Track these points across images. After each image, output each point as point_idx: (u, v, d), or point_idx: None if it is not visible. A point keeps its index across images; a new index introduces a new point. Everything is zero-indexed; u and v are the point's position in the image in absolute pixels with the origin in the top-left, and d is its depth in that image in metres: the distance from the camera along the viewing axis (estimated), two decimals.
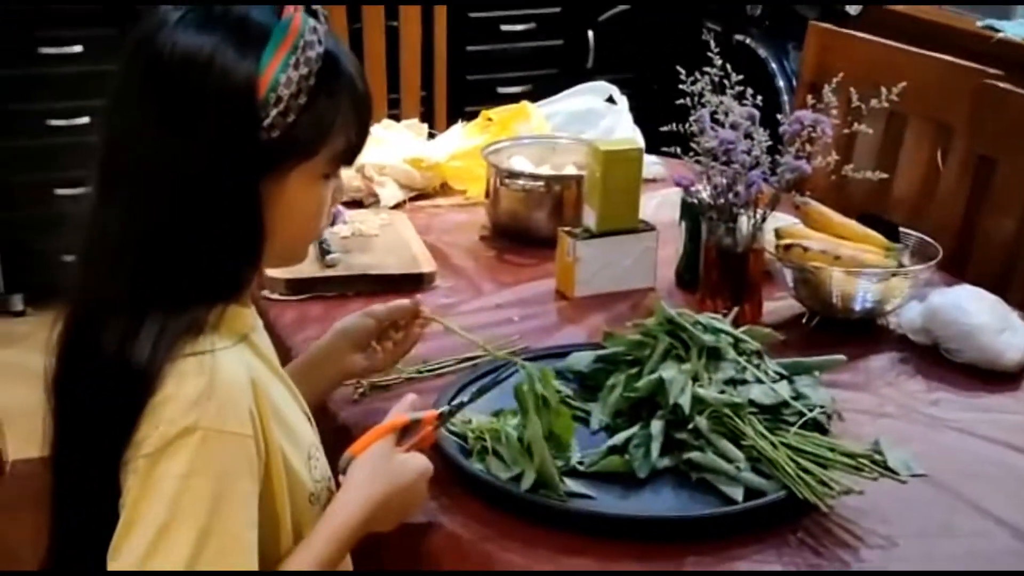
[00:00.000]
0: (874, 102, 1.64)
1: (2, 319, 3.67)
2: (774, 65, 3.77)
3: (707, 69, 1.69)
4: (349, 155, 1.18)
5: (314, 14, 1.13)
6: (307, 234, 1.20)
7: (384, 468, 1.22)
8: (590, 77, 4.05)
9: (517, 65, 4.05)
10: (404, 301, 1.50)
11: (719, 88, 1.69)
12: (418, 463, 1.24)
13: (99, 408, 1.07)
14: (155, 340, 1.05)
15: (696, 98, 1.69)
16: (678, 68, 1.70)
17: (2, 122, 3.53)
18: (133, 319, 1.07)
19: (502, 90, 4.02)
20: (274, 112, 1.08)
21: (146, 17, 1.11)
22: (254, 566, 1.07)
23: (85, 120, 3.50)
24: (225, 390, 1.06)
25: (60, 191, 3.50)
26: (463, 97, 3.85)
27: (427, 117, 3.36)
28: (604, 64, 4.10)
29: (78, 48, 3.52)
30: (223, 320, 1.11)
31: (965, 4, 3.36)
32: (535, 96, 3.87)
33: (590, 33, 4.06)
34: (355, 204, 2.13)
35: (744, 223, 1.69)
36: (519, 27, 4.00)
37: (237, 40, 1.08)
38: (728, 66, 1.70)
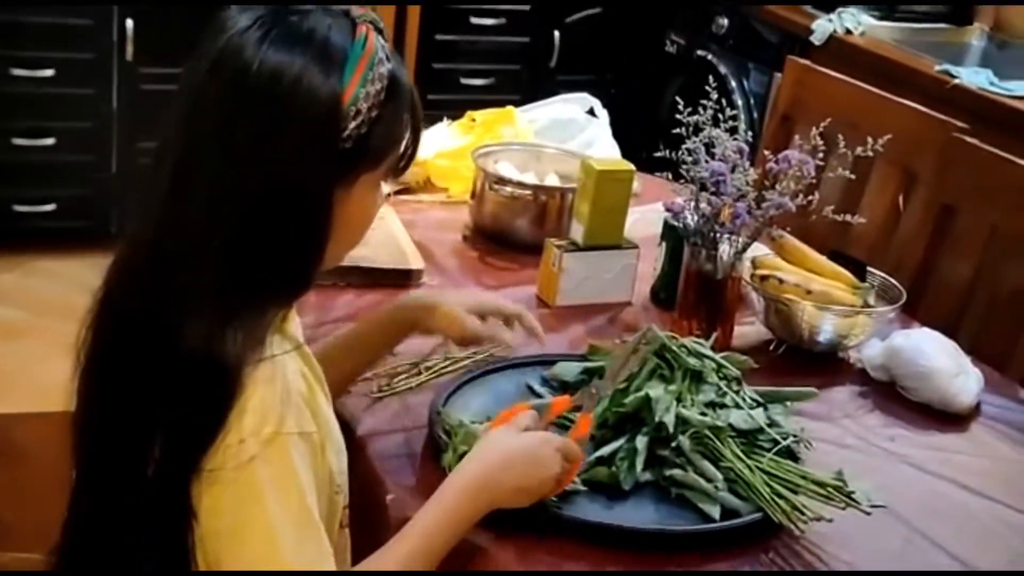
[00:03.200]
0: (859, 150, 1.73)
1: None
2: (734, 83, 3.88)
3: (704, 102, 1.77)
4: (406, 163, 1.26)
5: (380, 32, 1.20)
6: (358, 237, 1.28)
7: (503, 435, 1.32)
8: (553, 77, 4.17)
9: (483, 58, 4.11)
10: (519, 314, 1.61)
11: (714, 120, 1.77)
12: (540, 433, 1.34)
13: (181, 407, 1.10)
14: (243, 340, 1.10)
15: (691, 128, 1.77)
16: (677, 99, 1.77)
17: None
18: (219, 316, 1.11)
19: (465, 81, 4.09)
20: (352, 124, 1.15)
21: (220, 28, 1.16)
22: (330, 555, 1.15)
23: (51, 141, 3.55)
24: (296, 393, 1.14)
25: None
26: (428, 84, 3.90)
27: None
28: (567, 65, 4.19)
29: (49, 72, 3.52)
30: (284, 323, 1.18)
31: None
32: (498, 90, 3.97)
33: (556, 33, 4.14)
34: None
35: (725, 251, 1.78)
36: (489, 21, 4.06)
37: (322, 59, 1.14)
38: (719, 99, 1.77)
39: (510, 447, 1.31)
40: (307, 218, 1.16)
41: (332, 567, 1.16)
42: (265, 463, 1.10)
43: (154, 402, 1.12)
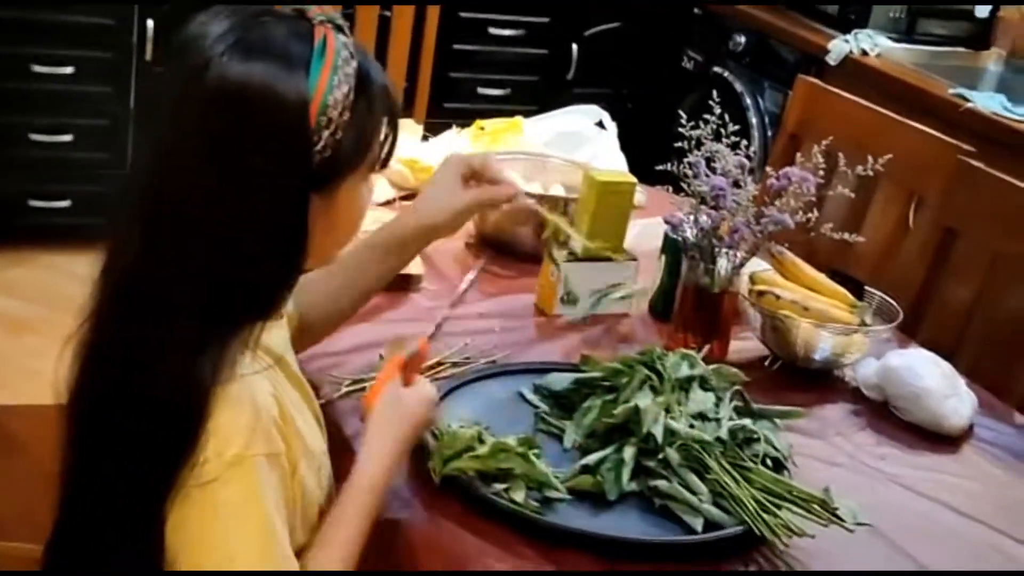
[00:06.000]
0: (859, 169, 1.74)
1: None
2: (748, 100, 3.89)
3: (707, 116, 1.78)
4: (386, 158, 1.25)
5: (340, 28, 1.18)
6: (350, 236, 1.28)
7: (397, 411, 1.33)
8: (569, 89, 4.18)
9: (500, 69, 4.12)
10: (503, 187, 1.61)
11: (717, 135, 1.78)
12: (424, 393, 1.36)
13: (154, 435, 1.10)
14: (215, 367, 1.10)
15: (692, 141, 1.78)
16: (680, 112, 1.78)
17: None
18: (192, 348, 1.10)
19: (482, 91, 4.11)
20: (326, 134, 1.14)
21: (185, 51, 1.13)
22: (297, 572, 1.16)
23: (68, 137, 3.57)
24: (265, 414, 1.13)
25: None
26: (444, 94, 3.92)
27: (407, 110, 3.44)
28: (584, 78, 4.20)
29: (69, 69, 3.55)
30: (261, 337, 1.16)
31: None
32: (514, 101, 3.99)
33: (574, 46, 4.15)
34: None
35: (723, 265, 1.78)
36: (507, 32, 4.08)
37: (284, 70, 1.11)
38: (723, 113, 1.78)
39: (407, 426, 1.34)
40: (281, 234, 1.14)
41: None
42: (226, 484, 1.10)
43: (127, 428, 1.12)
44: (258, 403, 1.13)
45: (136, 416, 1.11)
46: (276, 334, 1.24)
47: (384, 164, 1.26)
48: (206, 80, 1.10)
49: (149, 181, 1.14)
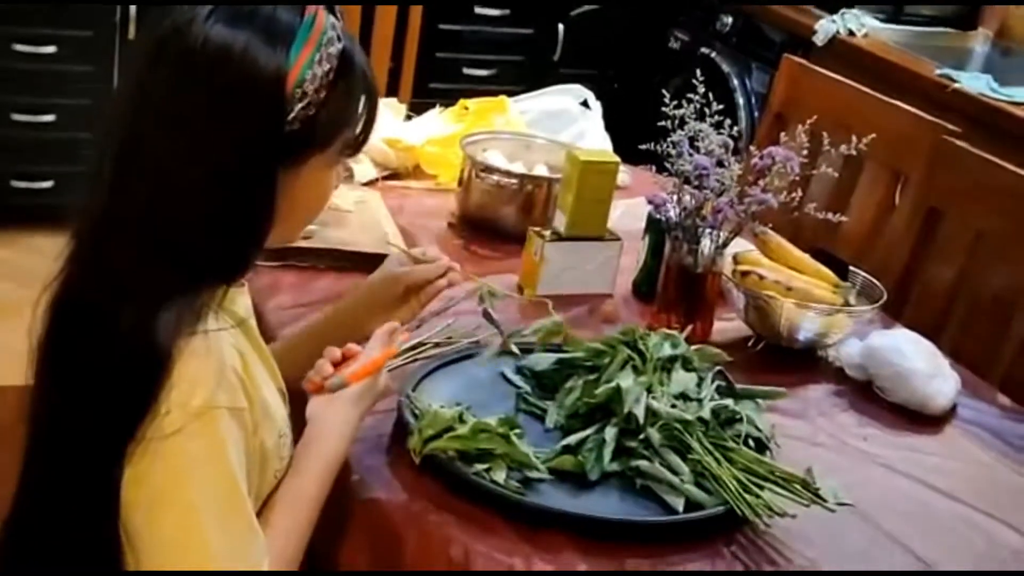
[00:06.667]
0: (843, 148, 1.73)
1: None
2: (736, 81, 3.87)
3: (691, 96, 1.77)
4: (357, 146, 1.25)
5: (333, 11, 1.19)
6: (309, 218, 1.28)
7: (371, 396, 1.36)
8: (555, 69, 4.16)
9: (485, 48, 4.11)
10: (432, 266, 1.54)
11: (700, 115, 1.77)
12: (390, 389, 1.40)
13: (115, 385, 1.11)
14: (175, 321, 1.10)
15: (676, 121, 1.77)
16: (663, 92, 1.77)
17: None
18: (152, 300, 1.11)
19: (468, 71, 4.09)
20: (299, 106, 1.14)
21: (172, 14, 1.15)
22: (259, 532, 1.16)
23: (51, 117, 3.55)
24: (229, 368, 1.13)
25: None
26: (429, 74, 3.90)
27: (392, 90, 3.42)
28: (570, 58, 4.19)
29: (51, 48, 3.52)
30: (225, 301, 1.17)
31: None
32: (499, 81, 3.97)
33: (560, 26, 4.13)
34: None
35: (707, 245, 1.77)
36: (493, 11, 4.06)
37: (267, 37, 1.13)
38: (707, 92, 1.77)
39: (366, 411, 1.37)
40: (248, 200, 1.15)
41: (260, 543, 1.16)
42: (191, 436, 1.10)
43: (91, 379, 1.12)
44: (223, 356, 1.13)
45: (97, 364, 1.12)
46: (239, 301, 1.24)
47: (355, 151, 1.26)
48: (188, 36, 1.12)
49: (123, 125, 1.15)
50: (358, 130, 1.24)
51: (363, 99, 1.23)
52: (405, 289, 1.53)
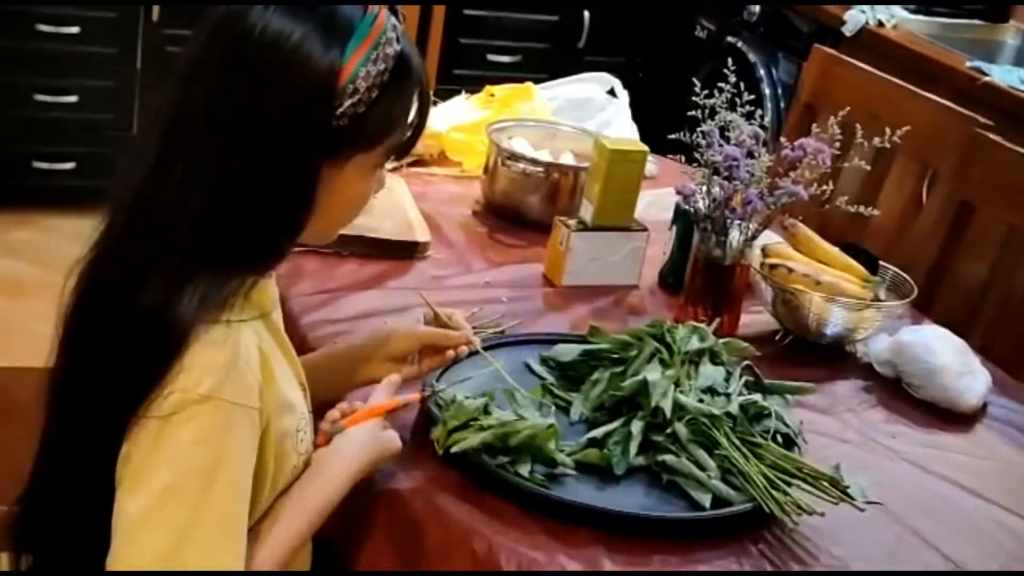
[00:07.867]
0: (876, 140, 1.70)
1: None
2: (762, 71, 3.83)
3: (721, 85, 1.74)
4: (404, 149, 1.23)
5: (395, 13, 1.18)
6: (346, 219, 1.26)
7: (373, 444, 1.31)
8: (580, 57, 4.13)
9: (510, 35, 4.07)
10: (454, 334, 1.47)
11: (731, 104, 1.74)
12: (398, 443, 1.33)
13: (126, 359, 1.10)
14: (197, 303, 1.09)
15: (706, 110, 1.74)
16: (694, 80, 1.74)
17: None
18: (178, 279, 1.10)
19: (492, 57, 4.06)
20: (348, 102, 1.13)
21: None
22: (242, 537, 1.12)
23: (73, 98, 3.53)
24: (244, 363, 1.11)
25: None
26: (453, 60, 3.88)
27: None
28: (595, 46, 4.15)
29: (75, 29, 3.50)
30: (252, 291, 1.16)
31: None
32: (524, 68, 3.94)
33: (586, 13, 4.10)
34: None
35: (735, 237, 1.75)
36: None
37: (325, 30, 1.12)
38: (738, 82, 1.74)
39: (375, 459, 1.31)
40: (287, 188, 1.14)
41: (240, 540, 1.12)
42: (183, 421, 1.08)
43: (105, 351, 1.12)
44: (239, 350, 1.12)
45: (114, 337, 1.11)
46: (267, 291, 1.22)
47: (401, 155, 1.25)
48: (246, 21, 1.11)
49: (171, 103, 1.15)
50: (407, 135, 1.22)
51: (415, 104, 1.21)
52: (421, 348, 1.48)
